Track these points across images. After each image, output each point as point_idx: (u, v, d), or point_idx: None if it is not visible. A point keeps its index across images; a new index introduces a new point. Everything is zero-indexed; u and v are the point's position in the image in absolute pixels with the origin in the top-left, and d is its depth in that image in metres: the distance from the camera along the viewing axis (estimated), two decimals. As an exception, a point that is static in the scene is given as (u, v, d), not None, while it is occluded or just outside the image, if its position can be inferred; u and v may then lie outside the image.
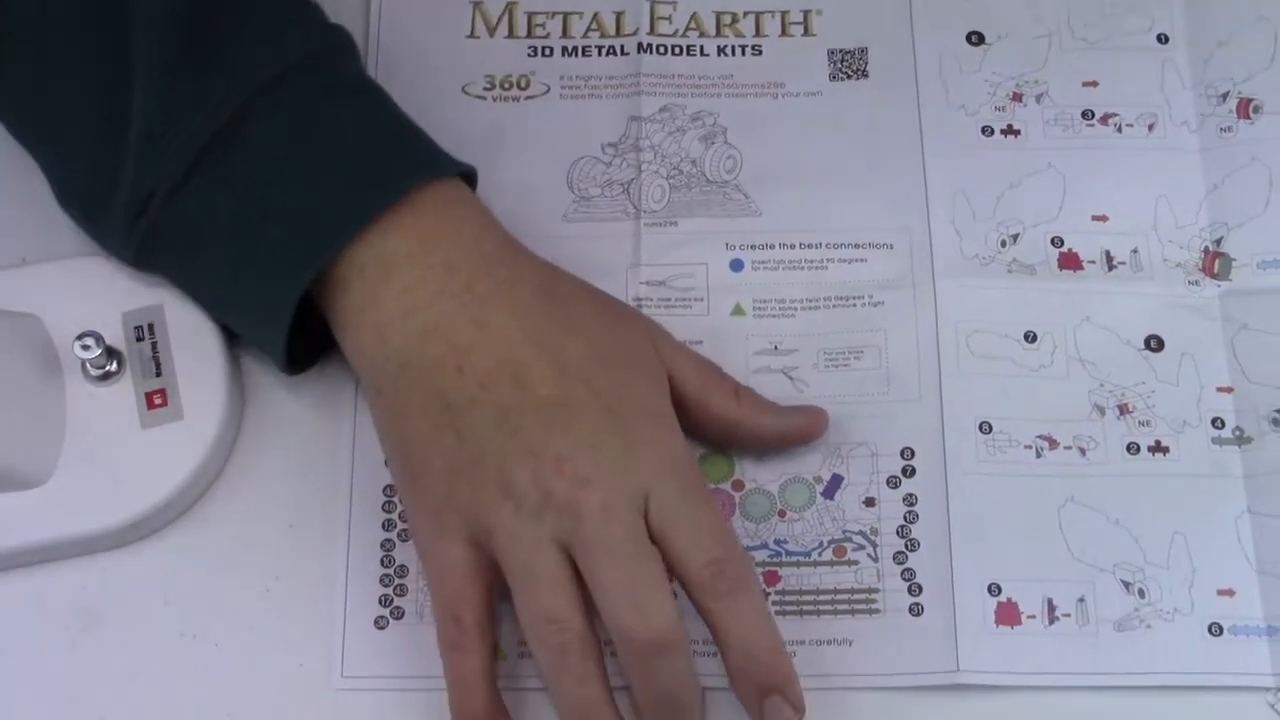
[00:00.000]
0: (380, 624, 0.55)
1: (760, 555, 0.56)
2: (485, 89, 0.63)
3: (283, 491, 0.57)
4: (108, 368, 0.56)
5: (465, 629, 0.51)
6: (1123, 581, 0.55)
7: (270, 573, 0.56)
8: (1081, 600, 0.55)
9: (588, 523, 0.49)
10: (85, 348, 0.54)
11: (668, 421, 0.53)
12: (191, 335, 0.57)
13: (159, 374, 0.56)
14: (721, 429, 0.56)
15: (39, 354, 0.56)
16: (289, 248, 0.52)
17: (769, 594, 0.55)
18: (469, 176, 0.56)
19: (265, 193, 0.53)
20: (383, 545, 0.56)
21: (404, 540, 0.56)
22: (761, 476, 0.57)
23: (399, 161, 0.54)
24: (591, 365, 0.52)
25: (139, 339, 0.56)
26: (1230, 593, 0.55)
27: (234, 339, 0.58)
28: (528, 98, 0.63)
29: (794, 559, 0.56)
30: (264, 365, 0.58)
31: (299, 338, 0.55)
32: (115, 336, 0.56)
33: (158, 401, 0.56)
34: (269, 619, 0.55)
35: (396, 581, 0.56)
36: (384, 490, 0.57)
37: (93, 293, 0.57)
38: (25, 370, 0.55)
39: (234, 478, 0.57)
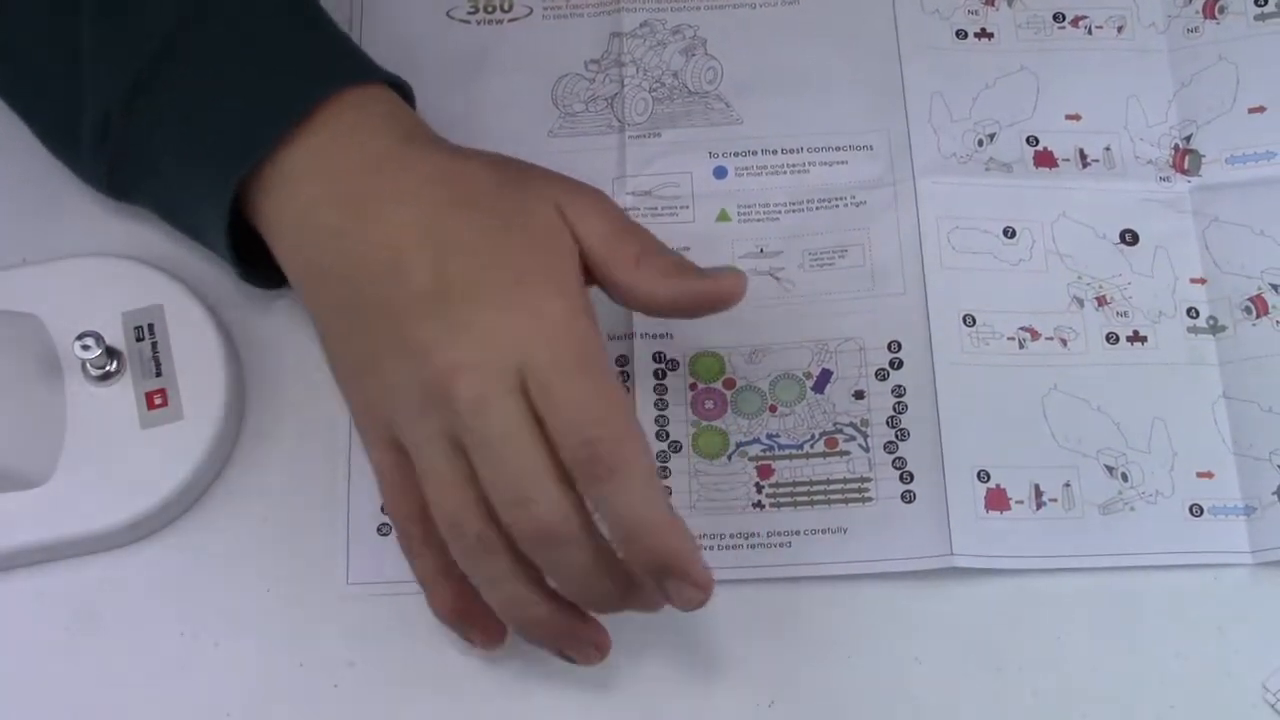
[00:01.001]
0: (383, 531, 0.56)
1: (753, 449, 0.57)
2: (469, 13, 0.64)
3: (283, 491, 0.57)
4: (108, 368, 0.56)
5: (412, 537, 0.51)
6: (1106, 466, 0.57)
7: (270, 573, 0.56)
8: (1067, 485, 0.57)
9: (464, 416, 0.47)
10: (85, 348, 0.54)
11: (553, 287, 0.49)
12: (191, 335, 0.57)
13: (159, 374, 0.56)
14: (621, 296, 0.52)
15: (39, 354, 0.56)
16: (216, 165, 0.53)
17: (762, 487, 0.57)
18: (402, 88, 0.56)
19: (197, 108, 0.53)
20: (383, 452, 0.57)
21: (403, 447, 0.57)
22: (752, 374, 0.58)
23: (301, 80, 0.53)
24: (476, 240, 0.49)
25: (139, 339, 0.56)
26: (1209, 475, 0.57)
27: (233, 339, 0.58)
28: (510, 20, 0.64)
29: (786, 452, 0.57)
30: (264, 365, 0.59)
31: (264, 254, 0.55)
32: (115, 336, 0.56)
33: (158, 401, 0.56)
34: (269, 619, 0.56)
35: (397, 487, 0.57)
36: (382, 399, 0.58)
37: (93, 293, 0.57)
38: (25, 370, 0.55)
39: (234, 478, 0.57)
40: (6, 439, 0.54)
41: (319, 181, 0.52)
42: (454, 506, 0.48)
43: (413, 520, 0.51)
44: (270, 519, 0.57)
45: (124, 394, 0.56)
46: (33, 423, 0.55)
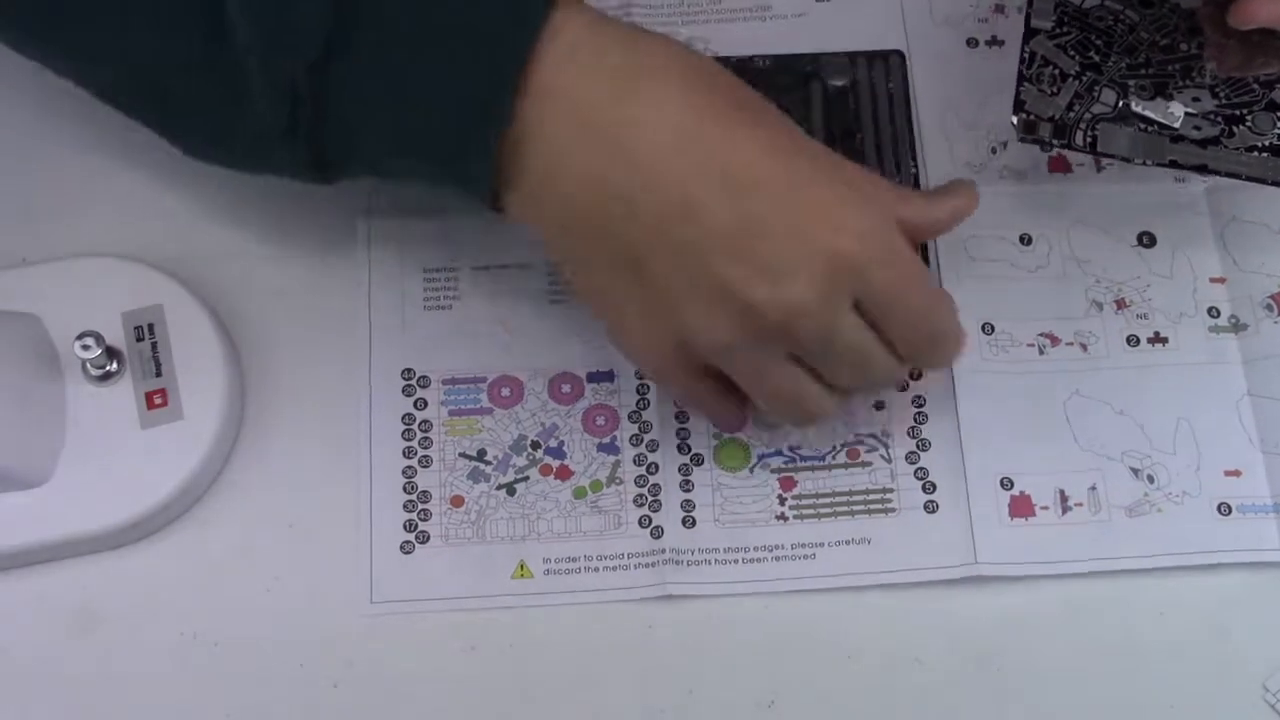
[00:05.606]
0: (406, 549, 0.56)
1: (775, 461, 0.57)
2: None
3: (283, 491, 0.57)
4: (108, 368, 0.56)
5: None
6: (1131, 469, 0.57)
7: (270, 573, 0.56)
8: (1093, 489, 0.56)
9: (807, 344, 0.49)
10: (85, 348, 0.54)
11: (874, 206, 0.49)
12: (191, 335, 0.57)
13: (159, 374, 0.56)
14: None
15: (39, 354, 0.56)
16: (480, 55, 0.48)
17: (785, 499, 0.57)
18: None
19: (416, 30, 0.48)
20: (404, 472, 0.57)
21: (425, 466, 0.57)
22: (772, 386, 0.58)
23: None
24: (764, 162, 0.48)
25: (139, 339, 0.57)
26: (1237, 473, 0.57)
27: (233, 339, 0.58)
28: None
29: (809, 464, 0.57)
30: (264, 365, 0.59)
31: None
32: (115, 336, 0.56)
33: (158, 401, 0.56)
34: (269, 619, 0.56)
35: (420, 507, 0.57)
36: (402, 419, 0.58)
37: (93, 293, 0.57)
38: (25, 370, 0.55)
39: (234, 478, 0.57)
40: (6, 439, 0.54)
41: (568, 121, 0.48)
42: (798, 395, 0.51)
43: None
44: (270, 519, 0.57)
45: (124, 394, 0.56)
46: (33, 423, 0.55)
